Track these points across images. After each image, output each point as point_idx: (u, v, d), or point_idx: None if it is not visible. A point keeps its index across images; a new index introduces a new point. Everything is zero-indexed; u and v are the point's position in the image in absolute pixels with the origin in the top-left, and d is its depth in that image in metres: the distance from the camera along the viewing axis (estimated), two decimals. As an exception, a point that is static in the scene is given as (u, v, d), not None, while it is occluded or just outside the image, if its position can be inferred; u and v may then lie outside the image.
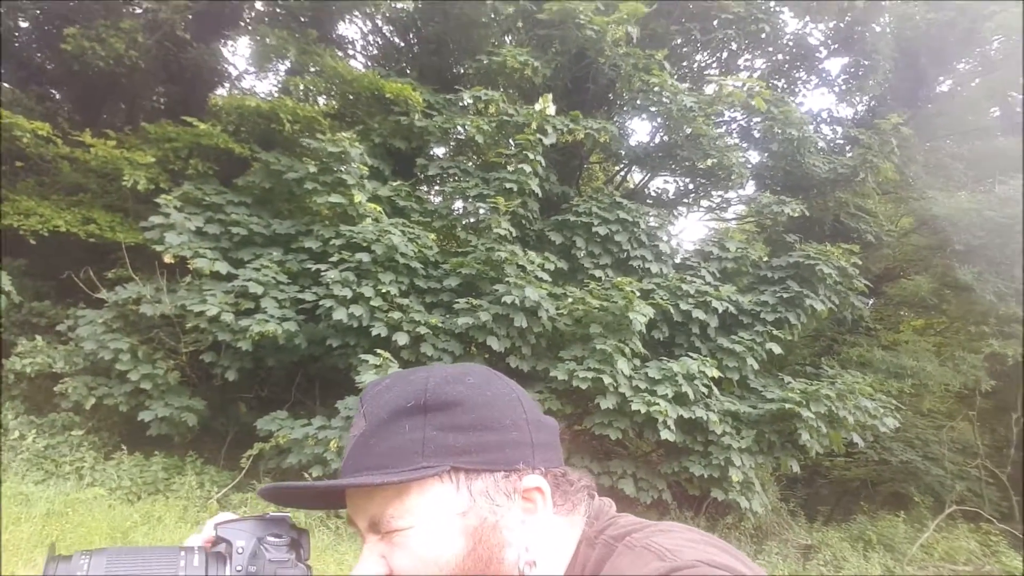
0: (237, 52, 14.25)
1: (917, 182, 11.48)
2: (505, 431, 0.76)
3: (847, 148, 11.78)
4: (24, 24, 11.03)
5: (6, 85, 10.69)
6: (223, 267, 7.81)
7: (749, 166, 10.90)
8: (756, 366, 8.49)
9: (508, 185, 8.51)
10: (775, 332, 8.70)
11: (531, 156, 8.52)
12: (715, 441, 7.80)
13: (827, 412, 7.77)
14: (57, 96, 11.55)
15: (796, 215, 9.63)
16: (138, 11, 10.35)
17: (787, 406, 7.75)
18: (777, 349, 8.60)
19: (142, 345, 7.86)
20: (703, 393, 7.80)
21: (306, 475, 7.22)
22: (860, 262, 9.31)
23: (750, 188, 12.06)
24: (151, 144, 8.78)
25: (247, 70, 13.36)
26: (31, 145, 8.30)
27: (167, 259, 7.66)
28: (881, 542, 8.69)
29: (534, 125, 8.74)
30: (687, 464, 7.80)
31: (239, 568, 0.73)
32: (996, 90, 12.60)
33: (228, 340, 7.57)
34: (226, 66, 13.03)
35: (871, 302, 12.06)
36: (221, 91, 12.64)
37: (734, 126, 11.74)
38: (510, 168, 8.62)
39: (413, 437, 0.73)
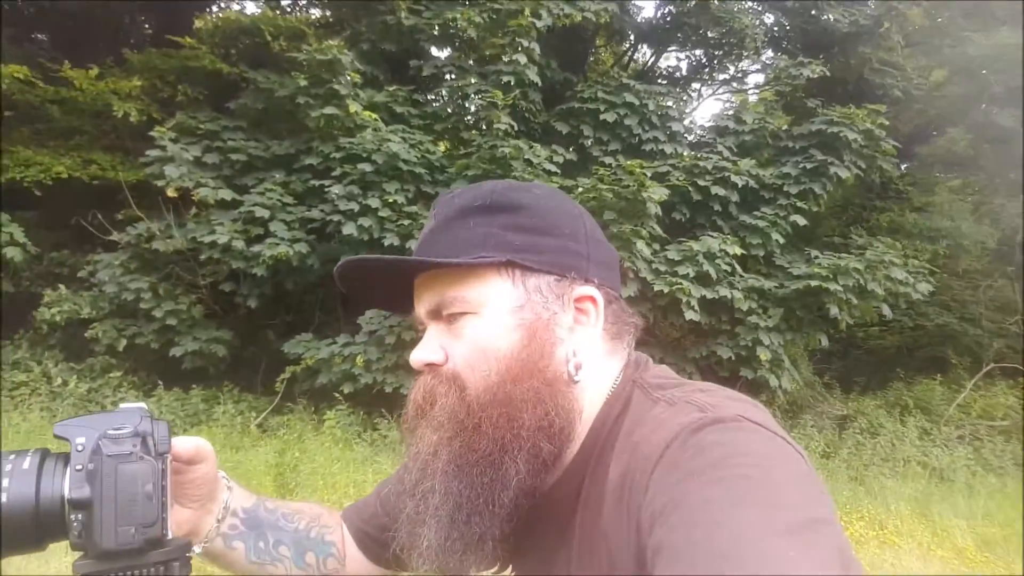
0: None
1: (951, 26, 10.60)
2: (563, 239, 0.78)
3: (869, -2, 10.90)
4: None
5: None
6: (227, 195, 7.70)
7: (762, 28, 10.17)
8: (781, 241, 8.22)
9: (505, 79, 8.10)
10: (799, 204, 8.36)
11: (526, 43, 8.05)
12: (741, 320, 7.67)
13: (856, 285, 7.53)
14: (38, 37, 11.21)
15: (816, 76, 9.03)
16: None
17: (814, 283, 7.53)
18: (802, 222, 8.28)
19: (161, 282, 7.90)
20: (726, 272, 7.60)
21: (337, 394, 7.35)
22: (887, 122, 8.75)
23: (767, 56, 11.35)
24: (136, 74, 8.51)
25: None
26: (16, 92, 8.10)
27: (170, 193, 7.57)
28: (918, 406, 8.62)
29: (527, 11, 8.22)
30: (714, 347, 7.72)
31: (78, 467, 0.65)
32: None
33: (243, 268, 7.57)
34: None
35: (904, 165, 11.50)
36: (209, 13, 12.18)
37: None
38: (505, 59, 8.18)
39: (477, 232, 0.77)
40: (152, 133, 7.62)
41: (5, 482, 0.63)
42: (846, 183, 8.86)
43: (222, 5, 12.55)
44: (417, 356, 0.78)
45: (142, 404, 0.74)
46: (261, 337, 8.97)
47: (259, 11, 10.84)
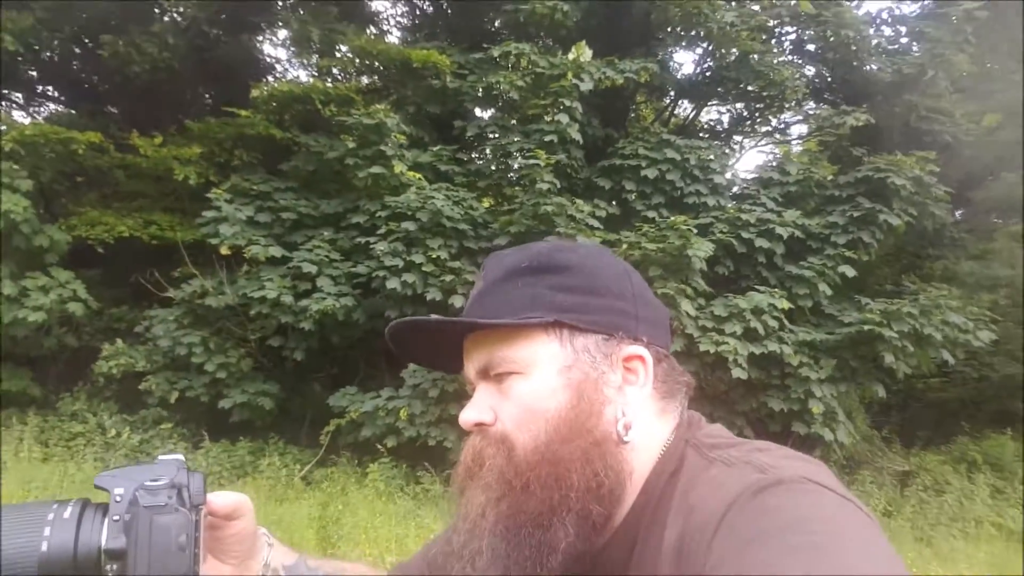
0: (277, 43, 14.45)
1: (1000, 70, 10.43)
2: (610, 298, 0.78)
3: (913, 47, 10.83)
4: (77, 50, 11.46)
5: (58, 108, 11.18)
6: (277, 251, 7.97)
7: (803, 80, 10.18)
8: (829, 292, 8.02)
9: (547, 138, 8.27)
10: (848, 254, 8.18)
11: (567, 103, 8.23)
12: (792, 374, 7.45)
13: (911, 331, 7.26)
14: (111, 111, 11.98)
15: (861, 124, 8.94)
16: (169, 18, 10.56)
17: (866, 328, 7.29)
18: (851, 272, 8.08)
19: (213, 337, 8.15)
20: (774, 327, 7.44)
21: (380, 446, 7.36)
22: (938, 168, 8.57)
23: (809, 107, 11.33)
24: (196, 140, 9.00)
25: (290, 60, 13.56)
26: (87, 158, 8.63)
27: (223, 251, 7.88)
28: (987, 462, 8.15)
29: (569, 75, 8.43)
30: (765, 399, 7.50)
31: (115, 518, 0.66)
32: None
33: (291, 322, 7.75)
34: (267, 58, 13.25)
35: (958, 212, 11.18)
36: (264, 83, 12.88)
37: (785, 42, 11.00)
38: (547, 119, 8.36)
39: (524, 292, 0.77)
40: (209, 195, 8.00)
41: (47, 531, 0.65)
42: (897, 231, 8.65)
43: (276, 75, 13.29)
44: (466, 416, 0.78)
45: (180, 455, 0.74)
46: (307, 390, 9.11)
47: (311, 80, 11.42)
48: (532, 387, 0.75)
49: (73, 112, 11.27)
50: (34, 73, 11.99)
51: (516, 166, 9.11)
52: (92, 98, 11.77)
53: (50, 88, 12.49)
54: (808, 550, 0.54)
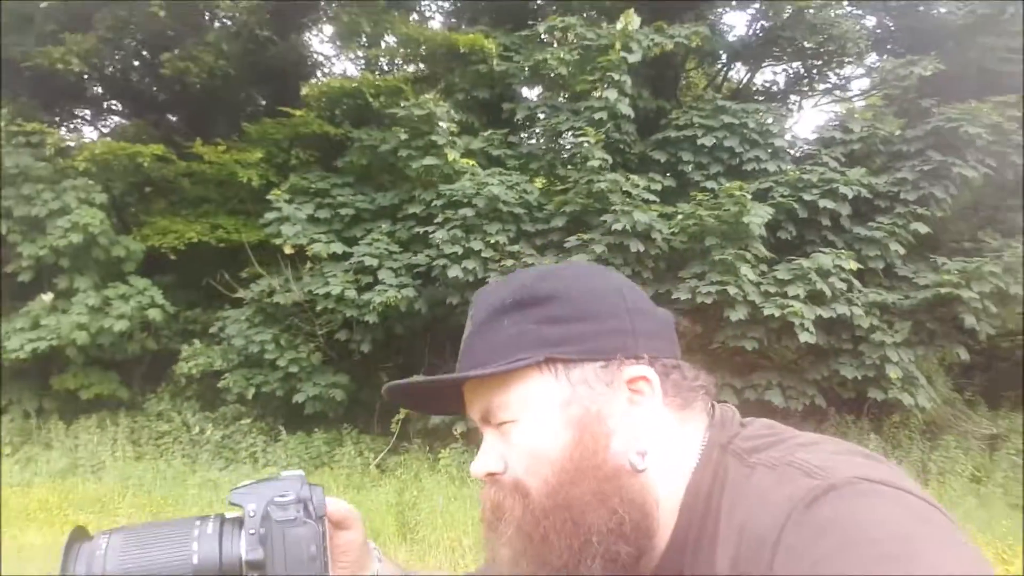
0: (323, 39, 14.65)
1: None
2: (602, 320, 0.75)
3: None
4: (136, 63, 11.92)
5: (123, 121, 11.63)
6: (338, 247, 8.15)
7: (864, 31, 9.69)
8: (902, 251, 7.69)
9: (597, 115, 8.15)
10: (920, 211, 7.81)
11: (616, 78, 8.08)
12: (864, 338, 7.20)
13: (994, 290, 6.90)
14: (171, 120, 12.42)
15: (929, 74, 8.46)
16: (219, 24, 10.82)
17: (944, 291, 6.97)
18: (924, 229, 7.70)
19: (283, 333, 8.41)
20: (842, 288, 7.19)
21: (454, 432, 7.49)
22: (1019, 113, 8.04)
23: (871, 60, 10.79)
24: (255, 144, 9.25)
25: (336, 55, 13.76)
26: (153, 169, 8.98)
27: (287, 250, 8.10)
28: (1084, 421, 7.72)
29: (617, 45, 8.26)
30: (837, 367, 7.27)
31: (251, 531, 0.73)
32: None
33: (356, 316, 7.93)
34: (314, 54, 13.47)
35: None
36: (314, 80, 13.11)
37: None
38: (596, 95, 8.23)
39: (510, 332, 0.74)
40: (269, 196, 8.22)
41: (195, 545, 0.71)
42: (973, 184, 8.19)
43: (324, 71, 13.49)
44: (476, 468, 0.77)
45: (300, 471, 0.80)
46: (375, 380, 9.31)
47: (359, 73, 11.55)
48: (532, 430, 0.73)
49: (136, 123, 11.73)
50: (99, 89, 12.52)
51: (567, 145, 9.02)
52: (153, 108, 12.22)
53: (114, 103, 13.03)
54: (879, 562, 0.51)
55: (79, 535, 0.72)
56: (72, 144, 9.21)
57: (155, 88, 12.08)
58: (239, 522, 0.74)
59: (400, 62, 12.54)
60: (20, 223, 8.28)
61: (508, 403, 0.74)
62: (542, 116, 9.24)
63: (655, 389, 0.73)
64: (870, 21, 10.21)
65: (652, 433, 0.73)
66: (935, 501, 0.59)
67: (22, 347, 7.86)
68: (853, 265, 7.18)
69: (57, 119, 11.64)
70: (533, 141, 9.72)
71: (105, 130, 12.98)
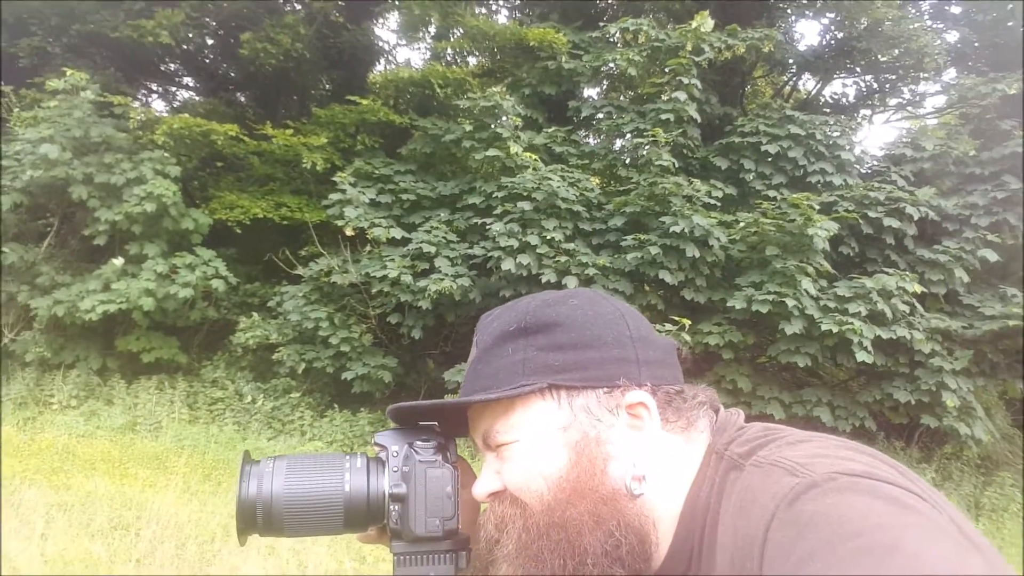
0: (389, 27, 14.89)
1: None
2: (606, 348, 0.77)
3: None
4: (211, 41, 12.31)
5: (195, 97, 12.00)
6: (397, 233, 8.30)
7: (944, 46, 9.41)
8: (966, 278, 7.49)
9: (664, 116, 8.13)
10: (990, 237, 7.59)
11: (686, 81, 8.05)
12: (922, 363, 7.04)
13: (1065, 325, 6.69)
14: (241, 99, 12.79)
15: (1013, 92, 8.19)
16: (292, 7, 11.10)
17: (1012, 323, 6.76)
18: (992, 256, 7.50)
19: (337, 312, 8.62)
20: (904, 311, 7.04)
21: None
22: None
23: (949, 76, 10.48)
24: (322, 127, 9.48)
25: (399, 43, 13.97)
26: (225, 146, 9.29)
27: (348, 232, 8.29)
28: None
29: (689, 46, 8.22)
30: (890, 390, 7.13)
31: (395, 468, 0.81)
32: None
33: (409, 301, 8.08)
34: (381, 42, 13.70)
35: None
36: (379, 68, 13.36)
37: (924, 5, 10.21)
38: (664, 97, 8.21)
39: (515, 359, 0.77)
40: (334, 179, 8.43)
41: (347, 475, 0.80)
42: (1049, 213, 7.92)
43: (388, 59, 13.72)
44: (478, 490, 0.80)
45: (434, 423, 0.88)
46: (422, 366, 9.48)
47: (425, 63, 11.71)
48: (531, 450, 0.75)
49: (210, 101, 12.13)
50: (173, 65, 12.97)
51: (629, 146, 9.02)
52: (226, 87, 12.61)
53: (188, 79, 13.47)
54: (859, 558, 0.51)
55: (248, 459, 0.81)
56: (146, 118, 9.57)
57: (227, 67, 12.46)
58: (381, 461, 0.82)
59: (464, 54, 12.69)
60: (99, 189, 8.66)
61: (510, 427, 0.76)
62: (604, 116, 9.25)
63: (653, 415, 0.75)
64: (951, 36, 9.93)
65: (651, 458, 0.75)
66: (925, 489, 0.60)
67: (94, 308, 8.21)
68: (917, 288, 7.03)
69: (134, 92, 12.11)
70: (595, 141, 9.74)
71: (176, 104, 13.44)
